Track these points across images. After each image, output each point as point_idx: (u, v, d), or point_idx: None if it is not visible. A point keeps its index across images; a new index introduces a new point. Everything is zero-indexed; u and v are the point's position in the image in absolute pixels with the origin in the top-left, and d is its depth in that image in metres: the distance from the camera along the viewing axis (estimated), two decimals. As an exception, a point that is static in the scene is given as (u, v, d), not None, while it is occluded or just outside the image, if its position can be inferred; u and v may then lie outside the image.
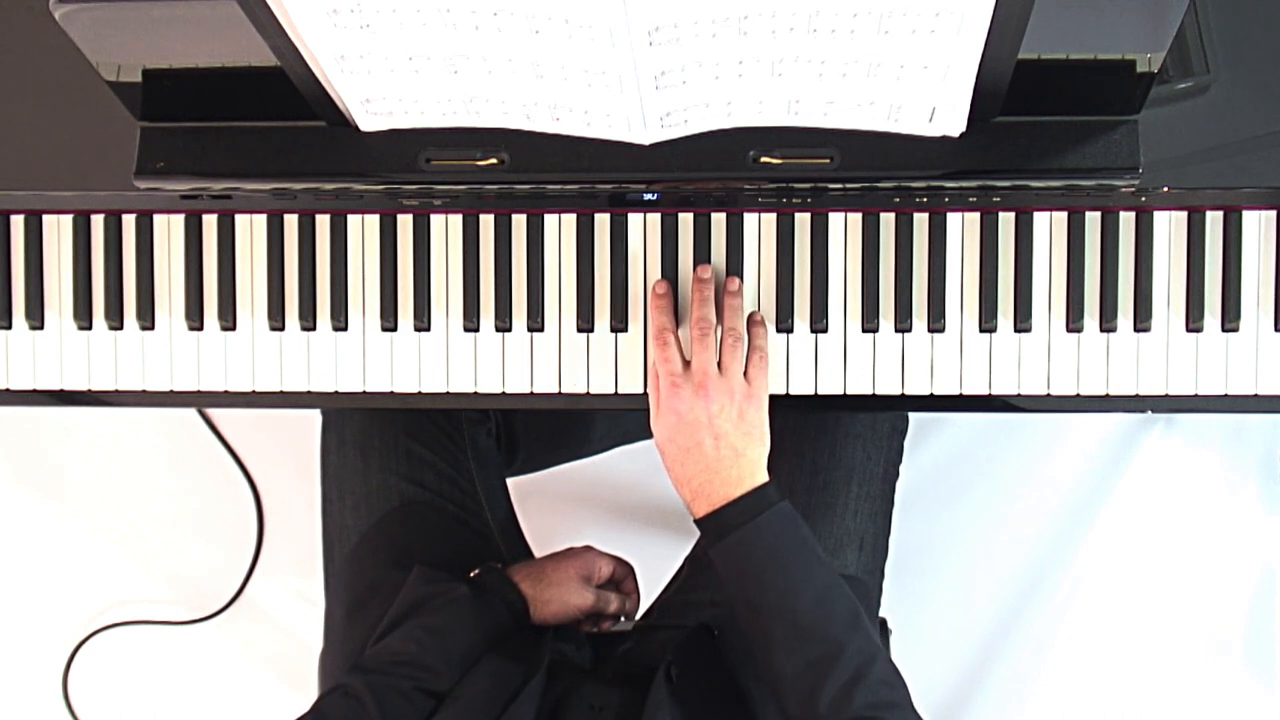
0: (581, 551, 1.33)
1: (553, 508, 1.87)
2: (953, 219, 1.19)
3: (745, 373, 1.14)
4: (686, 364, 1.14)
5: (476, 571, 1.26)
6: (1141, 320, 1.18)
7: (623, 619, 1.35)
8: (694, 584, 1.35)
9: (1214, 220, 1.18)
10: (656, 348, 1.15)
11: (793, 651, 1.07)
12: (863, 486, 1.31)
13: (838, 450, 1.31)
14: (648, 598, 1.40)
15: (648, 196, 1.18)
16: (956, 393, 1.20)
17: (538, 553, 1.43)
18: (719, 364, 1.13)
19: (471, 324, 1.22)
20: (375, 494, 1.33)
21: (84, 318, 1.25)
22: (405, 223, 1.22)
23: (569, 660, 1.26)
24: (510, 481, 1.48)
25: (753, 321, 1.18)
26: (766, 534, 1.10)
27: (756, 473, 1.12)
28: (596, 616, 1.31)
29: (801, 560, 1.10)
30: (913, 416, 1.40)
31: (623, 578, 1.35)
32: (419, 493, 1.33)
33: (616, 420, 1.64)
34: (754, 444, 1.12)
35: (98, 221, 1.25)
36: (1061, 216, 1.18)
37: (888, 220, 1.20)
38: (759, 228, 1.20)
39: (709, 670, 1.22)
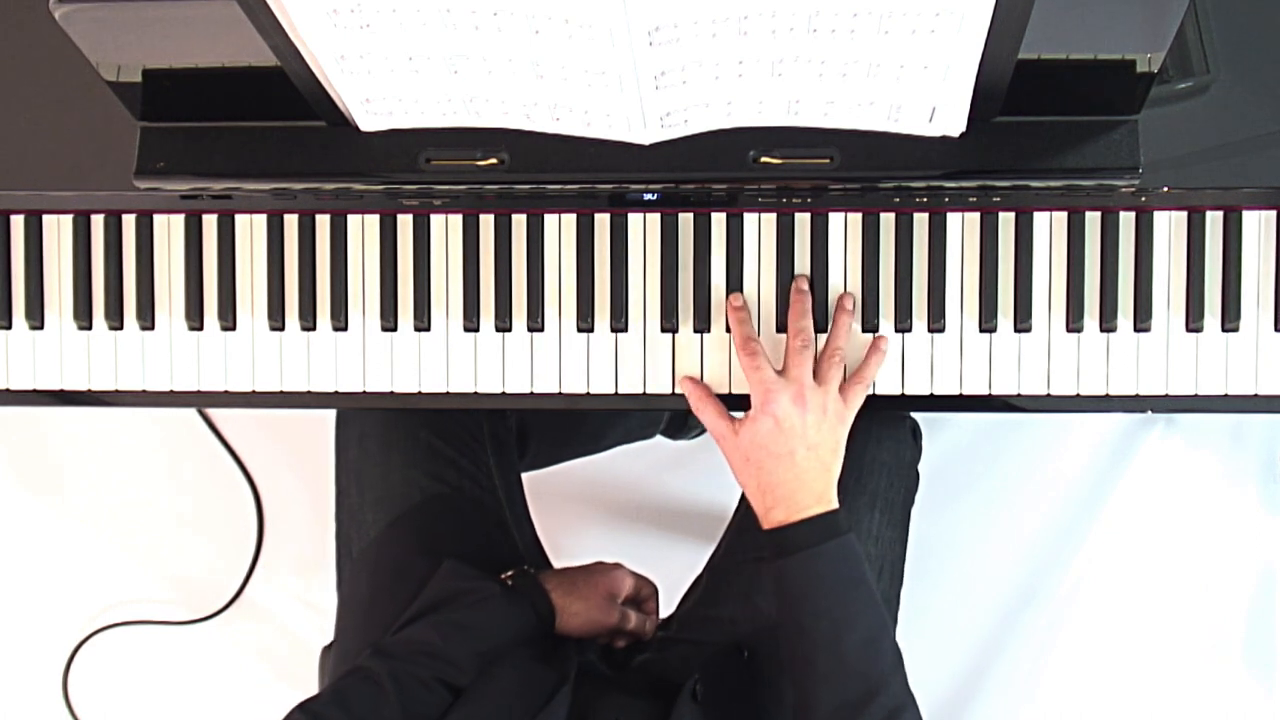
0: (612, 568, 1.32)
1: (560, 506, 1.87)
2: (953, 219, 1.19)
3: (841, 390, 1.13)
4: (777, 372, 1.13)
5: (510, 573, 1.26)
6: (1141, 320, 1.18)
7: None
8: (714, 598, 1.34)
9: (1214, 220, 1.18)
10: (745, 357, 1.13)
11: (831, 685, 1.06)
12: (885, 514, 1.31)
13: (864, 478, 1.30)
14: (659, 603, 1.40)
15: (648, 196, 1.18)
16: (956, 393, 1.20)
17: (547, 549, 1.43)
18: (816, 376, 1.12)
19: (471, 324, 1.22)
20: (396, 489, 1.33)
21: (84, 318, 1.25)
22: (405, 223, 1.22)
23: (591, 669, 1.26)
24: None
25: (875, 348, 1.17)
26: (832, 560, 1.09)
27: (833, 493, 1.11)
28: (615, 632, 1.31)
29: (859, 595, 1.10)
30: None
31: (646, 597, 1.35)
32: (441, 488, 1.33)
33: (625, 418, 1.64)
34: (837, 462, 1.12)
35: (98, 221, 1.25)
36: (1061, 216, 1.18)
37: (888, 220, 1.20)
38: (759, 228, 1.20)
39: (735, 694, 1.21)
